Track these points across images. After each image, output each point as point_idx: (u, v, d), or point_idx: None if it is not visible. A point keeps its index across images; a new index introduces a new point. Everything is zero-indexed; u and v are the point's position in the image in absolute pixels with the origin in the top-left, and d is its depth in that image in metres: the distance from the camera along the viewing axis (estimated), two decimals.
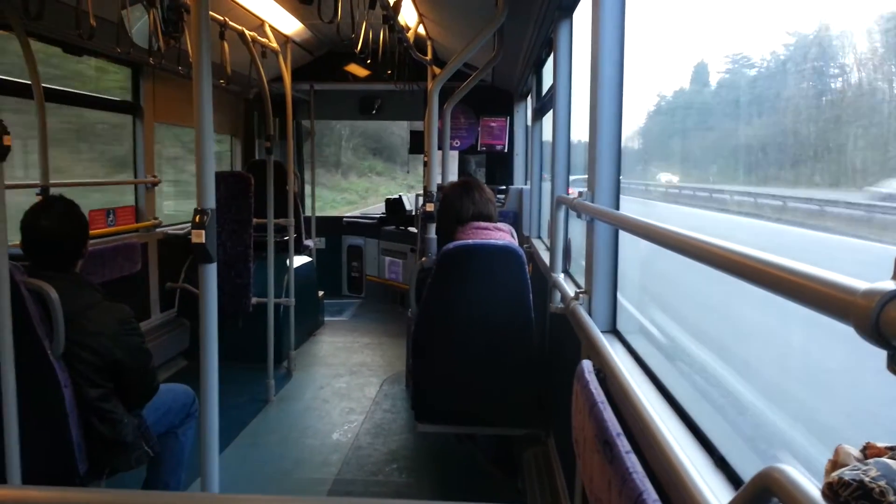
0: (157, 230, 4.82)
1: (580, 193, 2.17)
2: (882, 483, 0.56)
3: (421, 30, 4.88)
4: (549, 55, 3.94)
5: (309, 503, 0.73)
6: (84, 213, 2.47)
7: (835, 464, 0.65)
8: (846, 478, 0.58)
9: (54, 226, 2.30)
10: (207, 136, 1.89)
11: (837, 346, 1.32)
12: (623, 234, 2.08)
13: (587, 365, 1.64)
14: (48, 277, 2.19)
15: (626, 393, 1.39)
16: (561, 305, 2.48)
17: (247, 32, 4.01)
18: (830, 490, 0.59)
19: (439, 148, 4.29)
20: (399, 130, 21.77)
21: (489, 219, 3.19)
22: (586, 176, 2.21)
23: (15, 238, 2.34)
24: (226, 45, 3.83)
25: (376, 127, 22.65)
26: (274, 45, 4.49)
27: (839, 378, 1.42)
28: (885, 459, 0.60)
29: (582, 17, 2.95)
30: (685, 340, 2.28)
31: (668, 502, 1.06)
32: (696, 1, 2.26)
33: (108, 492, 0.70)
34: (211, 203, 1.92)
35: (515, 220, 5.98)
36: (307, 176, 7.33)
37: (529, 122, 5.88)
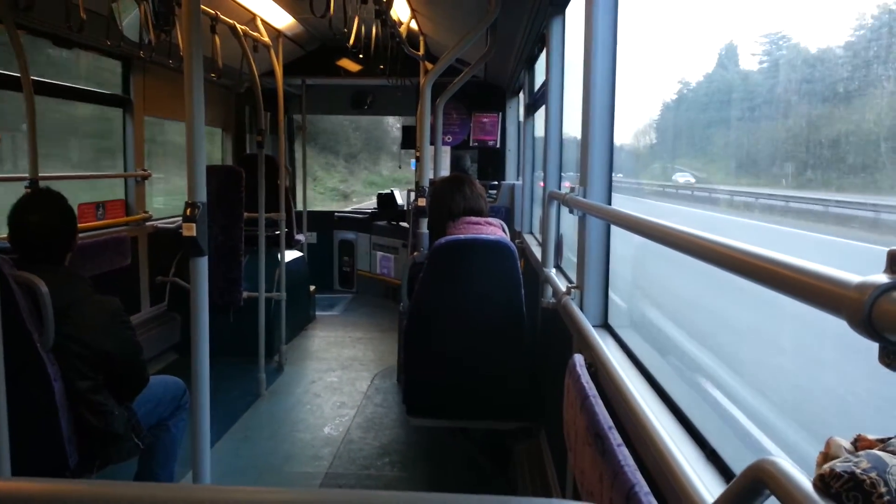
0: (147, 224, 4.80)
1: (572, 189, 2.18)
2: (873, 475, 0.56)
3: (413, 25, 4.87)
4: (541, 51, 3.95)
5: (300, 495, 0.73)
6: (73, 206, 2.45)
7: (826, 456, 0.65)
8: (838, 470, 0.58)
9: (42, 219, 2.28)
10: (199, 130, 1.88)
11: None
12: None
13: (579, 359, 1.65)
14: (37, 271, 2.17)
15: (617, 387, 1.40)
16: (552, 300, 2.48)
17: (238, 26, 3.99)
18: (822, 482, 0.60)
19: (431, 143, 4.29)
20: None
21: (480, 213, 3.19)
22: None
23: (3, 232, 2.33)
24: (217, 38, 3.80)
25: None
26: (265, 39, 4.47)
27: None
28: (875, 451, 0.60)
29: (574, 13, 2.96)
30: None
31: (659, 495, 1.07)
32: None
33: (98, 483, 0.70)
34: (202, 196, 1.91)
35: (507, 216, 5.99)
36: (298, 170, 7.32)
37: (521, 118, 5.88)
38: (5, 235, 2.32)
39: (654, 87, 2.45)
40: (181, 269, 4.82)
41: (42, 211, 2.29)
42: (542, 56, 3.62)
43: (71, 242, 2.38)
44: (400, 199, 7.32)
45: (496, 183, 6.39)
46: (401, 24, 4.54)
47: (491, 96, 6.64)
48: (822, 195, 1.45)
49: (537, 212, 4.76)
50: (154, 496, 0.71)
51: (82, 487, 0.72)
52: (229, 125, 6.53)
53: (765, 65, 1.75)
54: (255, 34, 4.34)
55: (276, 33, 4.94)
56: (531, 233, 4.98)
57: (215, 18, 3.74)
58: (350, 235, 7.59)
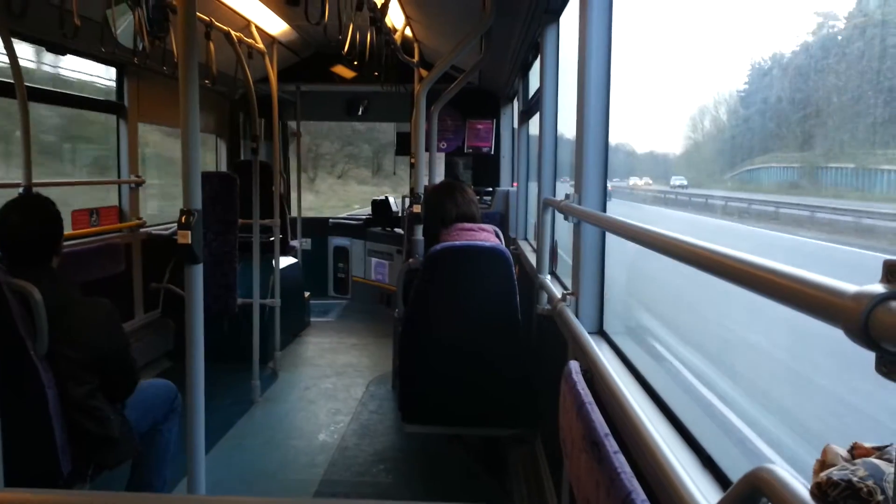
0: (142, 230, 4.78)
1: (567, 196, 2.18)
2: (870, 483, 0.57)
3: (408, 32, 4.88)
4: (535, 58, 3.96)
5: (296, 503, 0.73)
6: (66, 212, 2.44)
7: (823, 464, 0.65)
8: (835, 478, 0.59)
9: (24, 220, 2.27)
10: (194, 137, 1.88)
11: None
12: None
13: (574, 366, 1.65)
14: (27, 275, 2.16)
15: (613, 393, 1.40)
16: (548, 307, 2.49)
17: (233, 33, 3.99)
18: (819, 490, 0.60)
19: (426, 150, 4.29)
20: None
21: (472, 219, 3.20)
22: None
23: None
24: (211, 45, 3.80)
25: None
26: (260, 45, 4.47)
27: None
28: (872, 459, 0.61)
29: (569, 21, 2.97)
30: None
31: (656, 502, 1.07)
32: None
33: (93, 494, 0.70)
34: (197, 203, 1.91)
35: (502, 222, 6.00)
36: (293, 177, 7.31)
37: (516, 125, 5.90)
38: None
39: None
40: (175, 275, 4.80)
41: (24, 212, 2.28)
42: (537, 63, 3.63)
43: (55, 244, 2.35)
44: (394, 205, 7.32)
45: (491, 189, 6.40)
46: (395, 31, 4.54)
47: (485, 103, 6.66)
48: None
49: (532, 218, 4.76)
50: None
51: (76, 497, 0.72)
52: (224, 132, 6.52)
53: None
54: (250, 41, 4.34)
55: (270, 40, 4.94)
56: (526, 239, 4.99)
57: (210, 25, 3.74)
58: (344, 242, 7.58)
